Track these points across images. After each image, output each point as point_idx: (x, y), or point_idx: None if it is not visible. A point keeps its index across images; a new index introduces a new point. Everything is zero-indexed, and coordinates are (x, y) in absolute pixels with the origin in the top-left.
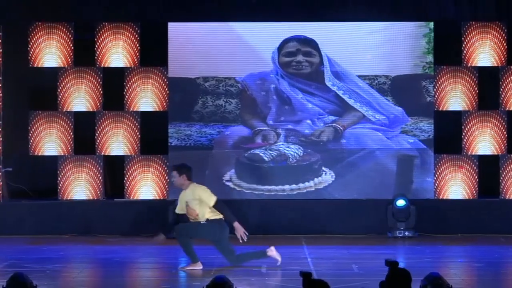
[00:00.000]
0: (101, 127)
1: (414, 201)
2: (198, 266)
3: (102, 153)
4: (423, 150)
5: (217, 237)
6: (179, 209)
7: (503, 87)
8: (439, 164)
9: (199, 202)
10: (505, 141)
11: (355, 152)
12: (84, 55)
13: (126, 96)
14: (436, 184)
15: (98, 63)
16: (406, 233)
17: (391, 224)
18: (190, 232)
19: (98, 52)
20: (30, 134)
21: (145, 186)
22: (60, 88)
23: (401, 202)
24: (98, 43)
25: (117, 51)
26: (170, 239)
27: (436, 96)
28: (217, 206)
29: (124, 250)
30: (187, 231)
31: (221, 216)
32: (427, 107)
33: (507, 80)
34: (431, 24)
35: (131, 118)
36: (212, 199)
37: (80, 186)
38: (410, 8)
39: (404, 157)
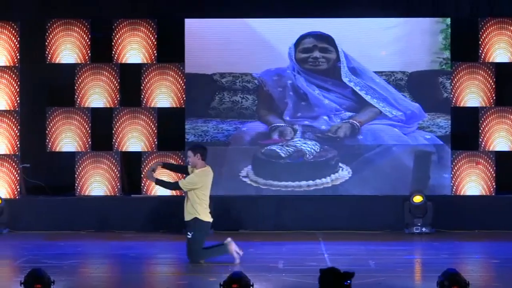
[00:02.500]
0: (118, 123)
1: (431, 197)
2: (232, 245)
3: (119, 149)
4: (440, 146)
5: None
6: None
7: None
8: (456, 160)
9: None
10: None
11: (372, 148)
12: (101, 51)
13: (143, 93)
14: (453, 180)
15: (115, 59)
16: (423, 229)
17: (408, 220)
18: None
19: (115, 49)
20: (47, 131)
21: None
22: (77, 84)
23: (418, 198)
24: (115, 40)
25: (134, 48)
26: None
27: (453, 92)
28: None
29: (140, 245)
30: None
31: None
32: (444, 103)
33: None
34: (448, 20)
35: (148, 114)
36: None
37: (97, 182)
38: (426, 4)
39: (421, 153)
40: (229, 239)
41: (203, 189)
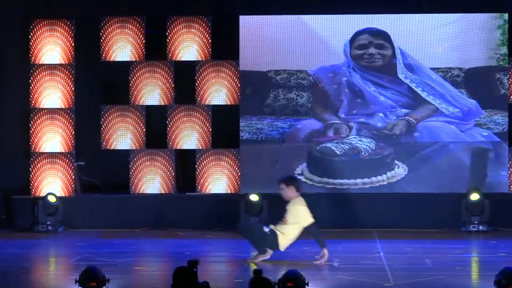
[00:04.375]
0: (173, 121)
1: (488, 195)
2: (267, 256)
3: (174, 147)
4: (497, 143)
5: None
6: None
7: None
8: None
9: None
10: None
11: (428, 146)
12: (155, 48)
13: (198, 90)
14: (511, 178)
15: (169, 56)
16: (480, 227)
17: (464, 218)
18: (253, 231)
19: (169, 46)
20: (102, 128)
21: (217, 180)
22: (132, 82)
23: (475, 196)
24: (169, 37)
25: (188, 45)
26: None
27: (510, 88)
28: (311, 229)
29: (195, 243)
30: (252, 228)
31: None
32: (501, 100)
33: None
34: (505, 16)
35: (202, 111)
36: (309, 219)
37: (152, 180)
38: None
39: (478, 150)
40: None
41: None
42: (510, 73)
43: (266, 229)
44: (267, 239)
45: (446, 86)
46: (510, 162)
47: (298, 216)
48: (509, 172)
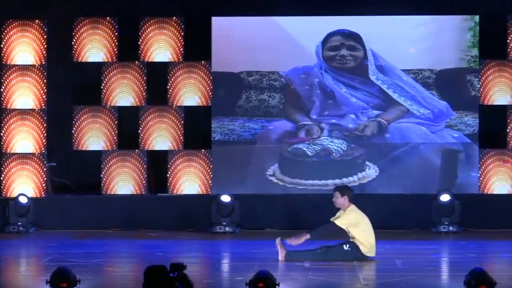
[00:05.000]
0: (145, 122)
1: (458, 196)
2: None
3: (146, 148)
4: (468, 144)
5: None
6: None
7: None
8: (484, 159)
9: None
10: None
11: (399, 147)
12: (128, 50)
13: (170, 91)
14: (481, 179)
15: (142, 57)
16: (451, 228)
17: (435, 219)
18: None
19: (142, 47)
20: (74, 129)
21: (189, 181)
22: (104, 83)
23: (445, 197)
24: (142, 38)
25: (161, 46)
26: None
27: (481, 90)
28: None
29: (167, 244)
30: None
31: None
32: (472, 101)
33: None
34: (476, 18)
35: (174, 113)
36: (342, 223)
37: (123, 180)
38: (455, 1)
39: (448, 151)
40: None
41: (359, 226)
42: (480, 74)
43: (346, 248)
44: (350, 255)
45: (417, 88)
46: (480, 163)
47: (350, 221)
48: (479, 173)
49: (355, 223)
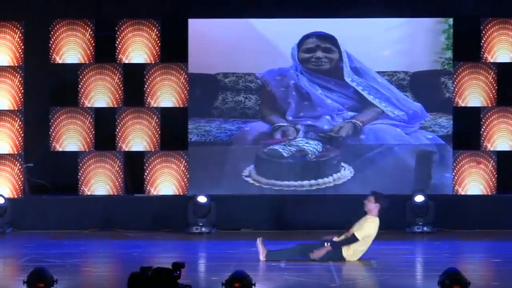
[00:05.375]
0: (122, 123)
1: (432, 197)
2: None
3: (123, 149)
4: (442, 146)
5: None
6: None
7: None
8: (458, 160)
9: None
10: None
11: (374, 148)
12: (105, 51)
13: (147, 92)
14: (455, 180)
15: (118, 59)
16: (425, 228)
17: (409, 219)
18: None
19: (119, 49)
20: (51, 130)
21: (165, 181)
22: (81, 84)
23: (419, 198)
24: (119, 40)
25: (137, 48)
26: None
27: (455, 92)
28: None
29: (143, 244)
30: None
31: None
32: (446, 103)
33: None
34: (450, 20)
35: (151, 114)
36: (360, 234)
37: (100, 181)
38: (429, 4)
39: (423, 152)
40: None
41: (367, 241)
42: (454, 76)
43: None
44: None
45: (392, 90)
46: (454, 165)
47: (369, 233)
48: (453, 174)
49: (368, 236)
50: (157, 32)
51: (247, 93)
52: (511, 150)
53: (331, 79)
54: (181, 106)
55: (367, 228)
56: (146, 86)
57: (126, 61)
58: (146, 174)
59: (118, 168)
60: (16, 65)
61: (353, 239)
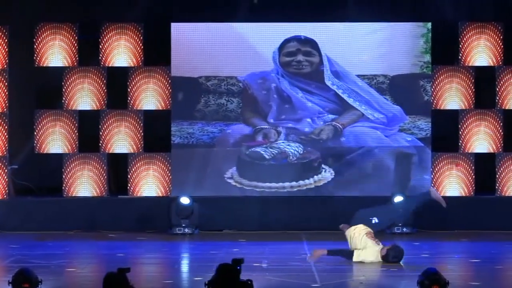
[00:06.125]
0: (105, 126)
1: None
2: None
3: (106, 151)
4: (421, 148)
5: None
6: None
7: (499, 86)
8: (436, 162)
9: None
10: (501, 140)
11: (354, 150)
12: (88, 54)
13: (130, 95)
14: (434, 182)
15: (102, 62)
16: (404, 229)
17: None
18: None
19: (102, 52)
20: (35, 133)
21: (148, 183)
22: (65, 87)
23: (399, 199)
24: (102, 43)
25: (121, 51)
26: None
27: (433, 95)
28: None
29: (127, 245)
30: None
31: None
32: (424, 106)
33: (503, 80)
34: (429, 25)
35: (134, 116)
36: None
37: (84, 183)
38: (408, 9)
39: (402, 155)
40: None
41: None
42: (433, 80)
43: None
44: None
45: (372, 93)
46: (433, 167)
47: (361, 258)
48: (432, 176)
49: (363, 261)
50: (140, 36)
51: (229, 96)
52: (488, 152)
53: (312, 82)
54: (164, 108)
55: (366, 257)
56: (129, 89)
57: (110, 65)
58: (129, 175)
59: (102, 170)
60: (1, 68)
61: (348, 256)
